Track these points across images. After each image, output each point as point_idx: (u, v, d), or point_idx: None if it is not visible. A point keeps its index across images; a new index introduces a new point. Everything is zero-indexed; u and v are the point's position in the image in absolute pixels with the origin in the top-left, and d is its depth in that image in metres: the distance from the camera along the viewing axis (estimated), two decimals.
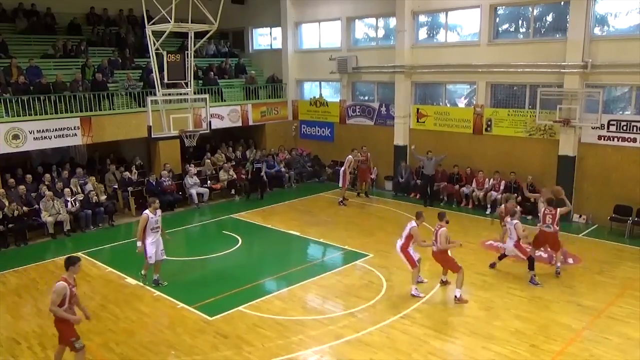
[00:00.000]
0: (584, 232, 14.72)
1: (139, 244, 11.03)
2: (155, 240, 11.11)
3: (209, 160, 19.37)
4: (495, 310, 10.02)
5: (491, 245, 13.48)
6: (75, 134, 16.29)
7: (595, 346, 8.69)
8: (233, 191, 18.84)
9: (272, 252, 13.84)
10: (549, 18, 16.33)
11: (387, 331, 9.25)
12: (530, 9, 16.24)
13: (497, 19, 16.98)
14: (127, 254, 13.68)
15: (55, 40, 18.70)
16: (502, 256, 11.99)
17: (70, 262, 7.55)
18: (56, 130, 15.89)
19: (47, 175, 15.96)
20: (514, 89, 16.85)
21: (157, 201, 11.37)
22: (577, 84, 14.97)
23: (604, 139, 14.90)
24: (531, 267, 11.18)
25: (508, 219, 11.53)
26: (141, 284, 11.36)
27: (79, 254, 13.32)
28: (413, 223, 10.51)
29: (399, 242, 10.66)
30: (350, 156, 17.81)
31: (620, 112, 15.08)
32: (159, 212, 11.19)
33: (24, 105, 15.41)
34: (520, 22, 16.87)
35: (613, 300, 10.34)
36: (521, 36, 16.78)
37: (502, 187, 16.40)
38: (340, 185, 17.84)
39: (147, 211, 11.02)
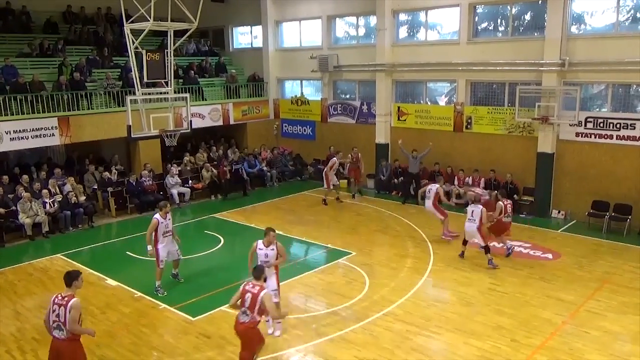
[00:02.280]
0: (563, 228, 14.94)
1: (149, 247, 10.61)
2: (167, 244, 10.77)
3: (187, 159, 19.24)
4: (476, 306, 10.12)
5: (472, 242, 13.58)
6: (53, 134, 16.05)
7: (575, 340, 8.82)
8: (216, 196, 18.64)
9: None
10: (527, 17, 16.53)
11: (370, 328, 9.29)
12: (508, 7, 16.41)
13: (476, 18, 17.14)
14: (107, 255, 13.59)
15: (32, 39, 18.40)
16: (465, 242, 12.50)
17: (73, 277, 6.87)
18: (33, 130, 15.63)
19: (25, 176, 15.67)
20: (494, 87, 17.04)
21: (168, 205, 11.08)
22: (555, 81, 15.18)
23: (582, 136, 15.13)
24: (488, 251, 12.02)
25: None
26: (159, 295, 10.70)
27: (58, 255, 13.22)
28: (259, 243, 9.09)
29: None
30: (335, 158, 17.46)
31: (597, 109, 15.33)
32: (169, 215, 10.80)
33: (0, 105, 15.12)
34: (499, 20, 17.05)
35: (592, 295, 10.51)
36: (500, 34, 16.95)
37: (482, 185, 16.56)
38: (325, 186, 17.52)
39: (157, 215, 10.60)
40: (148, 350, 8.73)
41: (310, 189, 19.62)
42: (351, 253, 12.97)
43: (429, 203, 13.71)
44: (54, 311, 6.70)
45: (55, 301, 6.73)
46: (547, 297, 10.47)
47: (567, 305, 10.07)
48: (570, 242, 13.68)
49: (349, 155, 18.22)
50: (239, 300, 7.31)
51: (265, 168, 20.47)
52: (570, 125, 15.14)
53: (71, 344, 6.75)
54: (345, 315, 9.80)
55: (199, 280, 11.60)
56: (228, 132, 22.00)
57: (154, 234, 10.62)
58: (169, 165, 18.40)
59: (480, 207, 12.08)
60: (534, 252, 12.83)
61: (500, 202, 12.49)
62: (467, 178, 16.93)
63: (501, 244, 12.80)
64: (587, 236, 14.12)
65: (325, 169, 17.46)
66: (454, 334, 9.08)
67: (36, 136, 15.72)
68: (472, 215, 12.08)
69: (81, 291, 10.92)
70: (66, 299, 6.67)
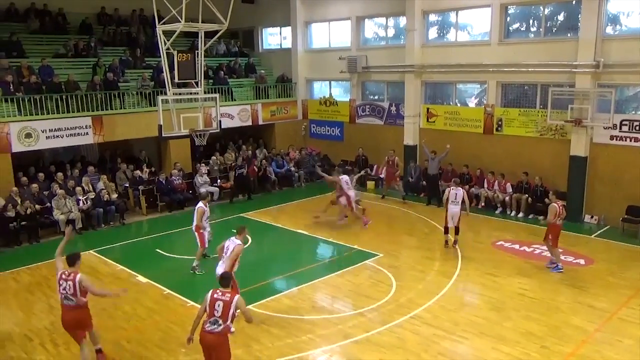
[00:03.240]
0: (596, 233, 14.61)
1: (208, 229, 12.12)
2: (208, 229, 12.24)
3: (214, 158, 19.45)
4: (505, 311, 9.98)
5: (502, 246, 13.43)
6: (87, 133, 16.43)
7: (607, 348, 8.63)
8: (244, 196, 18.77)
9: (282, 251, 13.87)
10: (560, 17, 16.23)
11: (396, 331, 9.24)
12: (541, 8, 16.13)
13: (508, 18, 16.89)
14: (138, 252, 13.84)
15: (67, 40, 18.86)
16: (447, 229, 13.33)
17: (76, 258, 8.06)
18: (68, 129, 16.04)
19: (59, 174, 16.07)
20: (525, 89, 16.77)
21: (209, 195, 13.48)
22: (589, 83, 14.86)
23: (616, 139, 14.76)
24: (457, 232, 13.22)
25: None
26: (197, 273, 11.88)
27: (90, 251, 13.52)
28: (237, 241, 9.28)
29: (222, 265, 9.23)
30: (345, 177, 15.50)
31: (633, 112, 14.94)
32: (208, 205, 12.23)
33: (37, 105, 15.56)
34: (531, 21, 16.77)
35: (625, 302, 10.25)
36: (532, 35, 16.68)
37: (508, 190, 16.32)
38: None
39: (201, 204, 11.94)
40: (176, 346, 8.86)
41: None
42: (378, 255, 12.93)
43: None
44: (60, 285, 7.77)
45: (62, 277, 7.79)
46: (579, 303, 10.26)
47: (599, 313, 9.86)
48: (603, 248, 13.38)
49: (385, 157, 18.13)
50: (207, 310, 7.03)
51: (293, 168, 20.56)
52: (604, 128, 14.80)
53: (80, 310, 7.84)
54: (371, 317, 9.77)
55: None
56: (257, 133, 22.16)
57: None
58: (198, 164, 18.64)
59: (462, 189, 13.06)
60: (565, 258, 12.54)
61: (555, 205, 11.77)
62: (494, 181, 16.69)
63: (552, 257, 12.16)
64: (621, 242, 13.78)
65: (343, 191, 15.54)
66: (482, 339, 8.97)
67: (71, 135, 16.13)
68: (455, 198, 12.97)
69: (112, 287, 11.30)
70: (72, 275, 7.75)
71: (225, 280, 7.34)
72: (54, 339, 9.16)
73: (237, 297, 7.06)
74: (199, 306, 10.05)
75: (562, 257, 12.42)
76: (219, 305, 6.95)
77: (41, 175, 16.00)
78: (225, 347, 7.14)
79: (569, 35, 15.64)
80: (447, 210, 13.23)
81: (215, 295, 7.04)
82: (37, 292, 11.19)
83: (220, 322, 6.96)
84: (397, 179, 18.29)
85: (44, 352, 8.78)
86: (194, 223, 11.95)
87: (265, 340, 8.98)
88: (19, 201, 14.36)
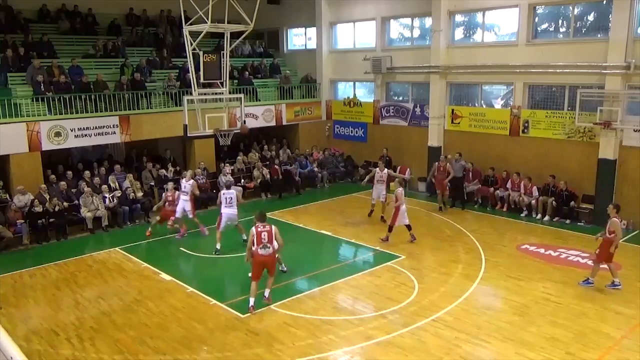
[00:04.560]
0: (624, 238, 14.14)
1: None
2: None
3: (240, 158, 19.60)
4: (530, 315, 9.83)
5: (527, 250, 13.24)
6: (114, 132, 16.70)
7: (634, 356, 8.43)
8: (266, 196, 19.00)
9: (304, 251, 13.87)
10: (590, 17, 15.93)
11: (418, 334, 9.18)
12: (570, 8, 15.84)
13: (536, 19, 16.62)
14: (162, 250, 13.99)
15: (96, 41, 19.22)
16: (391, 228, 13.82)
17: None
18: (96, 128, 16.33)
19: (87, 172, 16.36)
20: (553, 90, 16.48)
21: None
22: (619, 85, 14.54)
23: None
24: (390, 230, 13.77)
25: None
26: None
27: (116, 248, 13.76)
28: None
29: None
30: (377, 169, 15.97)
31: None
32: None
33: (66, 104, 15.88)
34: (560, 21, 16.49)
35: None
36: (561, 36, 16.40)
37: (534, 193, 16.05)
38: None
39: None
40: (198, 344, 8.96)
41: (360, 190, 19.50)
42: (400, 256, 12.86)
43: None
44: None
45: None
46: (605, 309, 10.05)
47: (626, 319, 9.64)
48: (631, 254, 13.05)
49: (436, 163, 17.31)
50: (255, 240, 9.73)
51: (316, 169, 20.58)
52: (634, 130, 14.45)
53: None
54: (392, 319, 9.73)
55: (248, 278, 11.75)
56: (280, 133, 22.25)
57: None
58: (222, 164, 18.78)
59: (400, 189, 13.66)
60: (592, 263, 12.29)
61: (617, 220, 10.77)
62: (520, 182, 16.43)
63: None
64: None
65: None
66: (505, 343, 8.85)
67: (98, 134, 16.41)
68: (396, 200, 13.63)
69: (136, 284, 11.49)
70: None
71: (263, 216, 10.04)
72: (80, 334, 9.34)
73: (274, 227, 9.87)
74: (222, 304, 10.33)
75: (589, 262, 12.17)
76: (264, 235, 9.79)
77: (69, 173, 16.30)
78: (274, 262, 10.14)
79: (598, 35, 15.32)
80: (399, 210, 13.59)
81: (259, 229, 9.80)
82: (64, 288, 11.42)
83: (269, 245, 9.79)
84: (447, 188, 17.09)
85: (70, 346, 8.95)
86: (237, 204, 13.39)
87: (286, 340, 9.00)
88: (47, 198, 14.68)
